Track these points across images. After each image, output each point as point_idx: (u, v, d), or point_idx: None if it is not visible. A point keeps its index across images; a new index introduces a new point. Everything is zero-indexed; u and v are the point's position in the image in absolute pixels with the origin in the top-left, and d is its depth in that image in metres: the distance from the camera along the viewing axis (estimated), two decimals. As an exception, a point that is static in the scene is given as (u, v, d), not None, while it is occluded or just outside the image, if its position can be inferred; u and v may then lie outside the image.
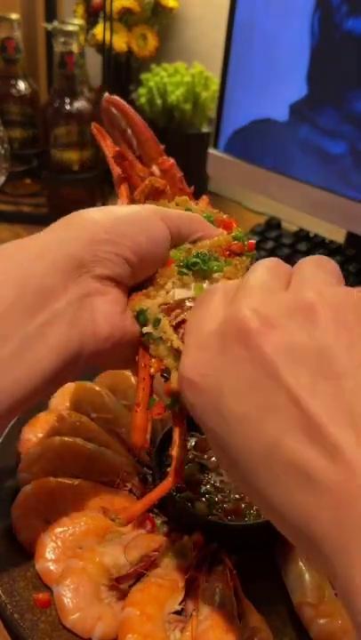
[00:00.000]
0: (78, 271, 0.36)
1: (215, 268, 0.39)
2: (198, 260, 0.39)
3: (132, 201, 0.47)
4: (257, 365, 0.26)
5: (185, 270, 0.39)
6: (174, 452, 0.39)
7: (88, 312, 0.36)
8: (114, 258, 0.37)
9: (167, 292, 0.39)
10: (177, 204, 0.46)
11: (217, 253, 0.41)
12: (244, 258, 0.42)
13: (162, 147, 0.50)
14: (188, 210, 0.45)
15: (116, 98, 0.49)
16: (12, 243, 0.36)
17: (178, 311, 0.37)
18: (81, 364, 0.36)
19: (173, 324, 0.37)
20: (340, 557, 0.23)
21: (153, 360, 0.38)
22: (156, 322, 0.37)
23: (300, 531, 0.25)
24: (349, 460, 0.23)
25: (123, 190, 0.47)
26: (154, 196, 0.47)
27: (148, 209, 0.41)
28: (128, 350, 0.39)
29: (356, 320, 0.26)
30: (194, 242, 0.41)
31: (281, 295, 0.28)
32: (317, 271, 0.29)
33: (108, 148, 0.49)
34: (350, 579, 0.22)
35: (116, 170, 0.47)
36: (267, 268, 0.30)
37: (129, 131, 0.50)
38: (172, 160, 0.50)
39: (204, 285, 0.38)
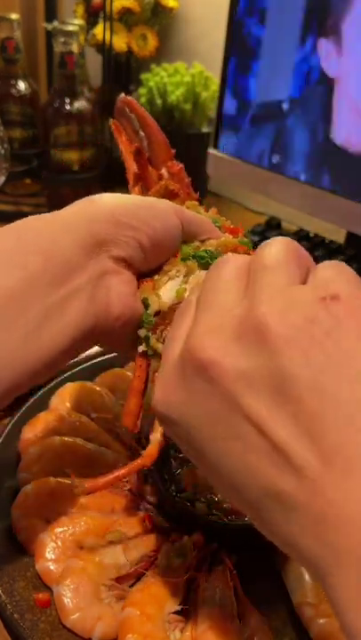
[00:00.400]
0: (99, 250, 0.37)
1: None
2: (205, 255, 0.40)
3: None
4: (217, 397, 0.26)
5: (191, 259, 0.40)
6: (152, 436, 0.40)
7: (105, 290, 0.37)
8: (131, 241, 0.38)
9: (169, 279, 0.40)
10: (187, 208, 0.46)
11: (223, 253, 0.41)
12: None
13: (173, 151, 0.51)
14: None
15: (131, 99, 0.50)
16: (37, 217, 0.37)
17: (166, 322, 0.39)
18: (93, 339, 0.38)
19: (160, 340, 0.39)
20: (328, 577, 0.23)
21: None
22: (146, 339, 0.39)
23: (291, 549, 0.25)
24: (313, 479, 0.23)
25: (137, 190, 0.48)
26: (167, 198, 0.47)
27: (164, 202, 0.42)
28: (134, 332, 0.40)
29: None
30: (202, 241, 0.43)
31: (233, 312, 0.27)
32: (274, 280, 0.28)
33: (125, 144, 0.49)
34: (337, 597, 0.23)
35: (133, 167, 0.48)
36: (224, 280, 0.30)
37: (141, 132, 0.51)
38: (181, 165, 0.51)
39: (186, 286, 0.40)
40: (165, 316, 0.39)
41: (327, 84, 0.77)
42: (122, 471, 0.39)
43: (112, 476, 0.38)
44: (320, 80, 0.77)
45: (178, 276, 0.40)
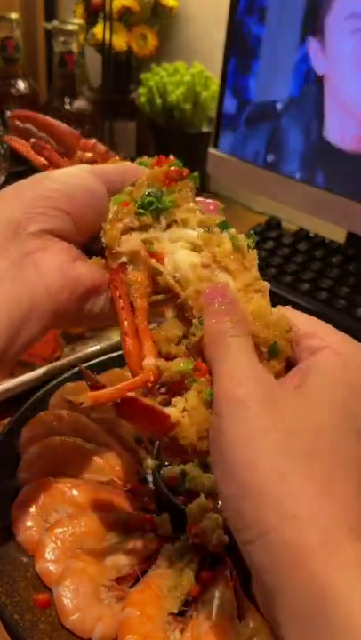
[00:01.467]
0: (16, 232, 0.37)
1: (169, 202, 0.39)
2: (153, 199, 0.39)
3: None
4: None
5: (142, 210, 0.39)
6: (146, 360, 0.37)
7: (32, 269, 0.36)
8: (50, 211, 0.38)
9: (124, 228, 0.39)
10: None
11: (156, 185, 0.41)
12: (187, 181, 0.42)
13: (77, 132, 0.50)
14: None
15: (16, 111, 0.51)
16: None
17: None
18: (36, 322, 0.36)
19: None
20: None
21: (133, 281, 0.38)
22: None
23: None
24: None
25: None
26: None
27: (77, 167, 0.43)
28: (85, 299, 0.39)
29: None
30: (133, 184, 0.42)
31: None
32: None
33: (24, 146, 0.49)
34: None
35: (39, 160, 0.48)
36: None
37: (43, 136, 0.51)
38: (93, 140, 0.50)
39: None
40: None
41: (321, 83, 0.77)
42: (127, 385, 0.34)
43: (115, 388, 0.34)
44: (315, 79, 0.77)
45: (132, 224, 0.39)
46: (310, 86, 0.78)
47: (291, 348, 0.33)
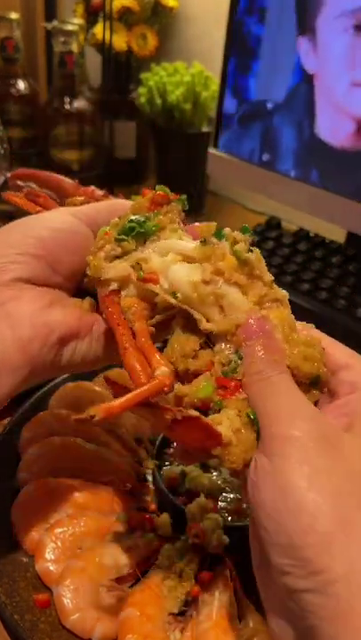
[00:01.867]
0: None
1: (153, 227, 0.38)
2: (135, 225, 0.37)
3: None
4: None
5: (123, 237, 0.37)
6: (159, 370, 0.34)
7: (3, 321, 0.34)
8: (20, 258, 0.36)
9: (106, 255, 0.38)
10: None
11: (142, 211, 0.39)
12: (173, 204, 0.40)
13: (74, 181, 0.51)
14: None
15: (18, 171, 0.52)
16: None
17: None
18: (11, 380, 0.34)
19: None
20: None
21: (128, 307, 0.36)
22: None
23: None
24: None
25: None
26: None
27: (55, 210, 0.41)
28: (73, 345, 0.37)
29: None
30: (119, 217, 0.40)
31: None
32: None
33: (21, 199, 0.49)
34: None
35: (34, 208, 0.48)
36: None
37: (45, 191, 0.51)
38: (91, 187, 0.50)
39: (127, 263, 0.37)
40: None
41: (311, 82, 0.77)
42: (138, 392, 0.32)
43: (128, 398, 0.31)
44: (306, 78, 0.77)
45: (115, 251, 0.38)
46: (301, 85, 0.78)
47: (328, 374, 0.32)
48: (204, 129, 1.05)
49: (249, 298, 0.33)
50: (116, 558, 0.43)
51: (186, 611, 0.42)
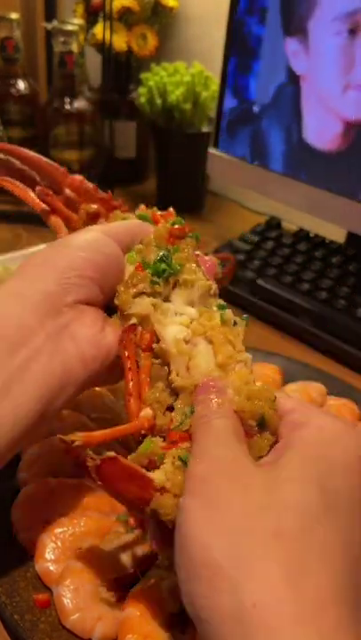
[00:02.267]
0: (52, 304, 0.38)
1: (178, 266, 0.42)
2: (165, 267, 0.42)
3: (72, 231, 0.50)
4: None
5: (156, 279, 0.42)
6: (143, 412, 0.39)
7: (69, 342, 0.38)
8: (79, 281, 0.39)
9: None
10: (110, 220, 0.50)
11: (162, 243, 0.44)
12: (188, 239, 0.45)
13: (63, 169, 0.52)
14: (124, 219, 0.49)
15: (3, 144, 0.53)
16: None
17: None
18: (70, 392, 0.39)
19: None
20: None
21: (141, 341, 0.40)
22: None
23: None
24: None
25: (55, 223, 0.50)
26: (92, 221, 0.51)
27: (91, 230, 0.44)
28: (115, 364, 0.41)
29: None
30: (141, 242, 0.45)
31: None
32: None
33: (23, 191, 0.51)
34: None
35: (39, 205, 0.50)
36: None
37: (25, 169, 0.53)
38: (79, 176, 0.52)
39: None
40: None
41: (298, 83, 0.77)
42: (118, 428, 0.38)
43: (108, 431, 0.36)
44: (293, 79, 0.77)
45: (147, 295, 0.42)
46: (292, 86, 0.78)
47: (277, 417, 0.33)
48: (204, 129, 1.05)
49: (219, 356, 0.36)
50: (116, 558, 0.43)
51: (186, 611, 0.42)
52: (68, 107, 0.99)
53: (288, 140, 0.83)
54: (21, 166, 0.52)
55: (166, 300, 0.42)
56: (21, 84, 1.04)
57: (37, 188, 0.50)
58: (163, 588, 0.42)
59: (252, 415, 0.32)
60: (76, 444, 0.33)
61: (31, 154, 0.52)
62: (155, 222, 0.48)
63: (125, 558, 0.43)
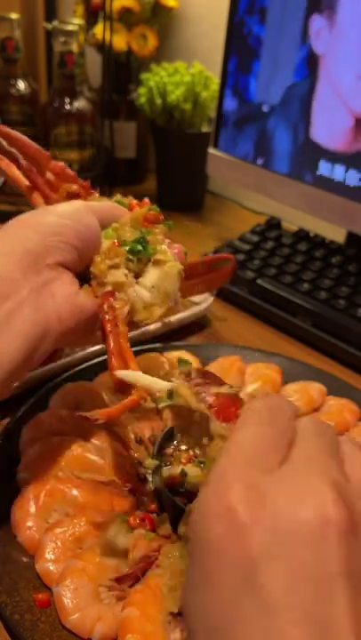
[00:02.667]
0: (35, 262, 0.42)
1: (151, 250, 0.48)
2: (141, 248, 0.47)
3: None
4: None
5: (131, 257, 0.47)
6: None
7: (50, 297, 0.42)
8: (62, 245, 0.43)
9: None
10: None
11: (137, 225, 0.48)
12: (161, 226, 0.50)
13: (47, 153, 0.55)
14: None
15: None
16: None
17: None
18: (47, 344, 0.42)
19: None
20: None
21: (119, 308, 0.45)
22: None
23: None
24: None
25: (36, 199, 0.54)
26: (71, 199, 0.53)
27: (77, 203, 0.48)
28: (86, 324, 0.45)
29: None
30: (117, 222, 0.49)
31: (277, 481, 0.25)
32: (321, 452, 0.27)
33: (9, 165, 0.55)
34: None
35: (23, 182, 0.54)
36: (258, 431, 0.28)
37: (12, 150, 0.55)
38: (61, 163, 0.56)
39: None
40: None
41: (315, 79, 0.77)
42: (126, 402, 0.40)
43: (120, 406, 0.40)
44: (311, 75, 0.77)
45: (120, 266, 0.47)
46: (301, 85, 0.78)
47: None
48: (204, 129, 1.05)
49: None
50: (116, 558, 0.43)
51: (186, 611, 0.42)
52: (68, 107, 0.99)
53: (290, 140, 0.83)
54: (8, 148, 0.55)
55: (138, 276, 0.47)
56: (21, 84, 1.04)
57: (23, 162, 0.53)
58: (163, 587, 0.42)
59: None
60: (100, 421, 0.37)
61: (18, 135, 0.55)
62: (130, 209, 0.52)
63: (125, 558, 0.43)
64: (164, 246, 0.48)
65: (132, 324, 0.47)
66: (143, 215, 0.49)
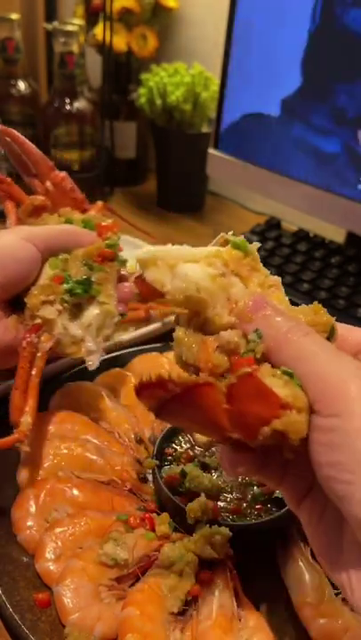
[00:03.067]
0: None
1: (94, 291, 0.48)
2: (80, 291, 0.47)
3: (19, 218, 0.56)
4: None
5: (67, 298, 0.47)
6: (23, 418, 0.46)
7: None
8: None
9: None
10: (59, 216, 0.54)
11: (90, 260, 0.49)
12: (115, 263, 0.50)
13: (51, 163, 0.59)
14: (68, 221, 0.53)
15: (7, 128, 0.58)
16: None
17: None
18: None
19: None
20: None
21: (42, 344, 0.47)
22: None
23: None
24: None
25: (8, 207, 0.57)
26: (36, 213, 0.56)
27: (11, 233, 0.49)
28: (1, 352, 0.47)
29: None
30: (69, 252, 0.49)
31: None
32: None
33: None
34: None
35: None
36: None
37: (19, 153, 0.59)
38: (62, 174, 0.58)
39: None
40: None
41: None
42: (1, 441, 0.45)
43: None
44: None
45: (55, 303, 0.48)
46: (299, 89, 0.78)
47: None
48: (204, 129, 1.05)
49: (249, 288, 0.34)
50: (117, 558, 0.43)
51: (186, 610, 0.42)
52: (68, 107, 0.99)
53: (291, 141, 0.83)
54: (19, 152, 0.58)
55: (77, 308, 0.48)
56: (22, 85, 1.04)
57: None
58: (163, 587, 0.42)
59: (324, 327, 0.32)
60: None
61: (29, 144, 0.58)
62: (97, 231, 0.52)
63: (125, 557, 0.43)
64: (110, 286, 0.49)
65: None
66: (98, 251, 0.49)
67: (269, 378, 0.29)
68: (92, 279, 0.48)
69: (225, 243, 0.35)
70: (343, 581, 0.28)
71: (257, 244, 0.35)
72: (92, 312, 0.48)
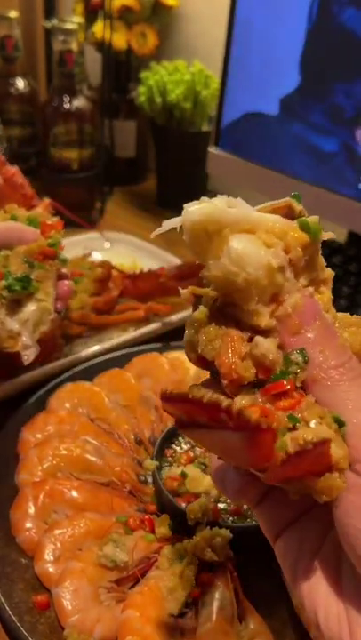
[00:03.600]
0: None
1: (33, 289, 0.48)
2: (18, 288, 0.47)
3: None
4: None
5: (5, 294, 0.47)
6: None
7: None
8: None
9: None
10: (5, 212, 0.54)
11: (31, 257, 0.49)
12: (56, 261, 0.50)
13: (3, 158, 0.58)
14: (13, 217, 0.53)
15: None
16: None
17: None
18: None
19: None
20: None
21: None
22: None
23: None
24: None
25: None
26: None
27: None
28: None
29: None
30: (12, 249, 0.49)
31: None
32: None
33: None
34: None
35: None
36: None
37: None
38: (13, 169, 0.58)
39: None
40: None
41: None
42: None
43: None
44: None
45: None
46: (299, 88, 0.78)
47: None
48: (205, 128, 1.05)
49: (300, 281, 0.28)
50: (116, 559, 0.43)
51: (186, 612, 0.42)
52: (67, 105, 0.99)
53: (291, 140, 0.83)
54: None
55: (16, 303, 0.48)
56: (21, 83, 1.04)
57: None
58: (163, 588, 0.42)
59: None
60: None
61: None
62: (41, 229, 0.53)
63: (125, 559, 0.43)
64: (49, 284, 0.49)
65: None
66: (40, 249, 0.50)
67: (316, 420, 0.24)
68: (32, 276, 0.49)
69: (289, 210, 0.29)
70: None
71: (331, 234, 0.29)
72: (30, 308, 0.48)
